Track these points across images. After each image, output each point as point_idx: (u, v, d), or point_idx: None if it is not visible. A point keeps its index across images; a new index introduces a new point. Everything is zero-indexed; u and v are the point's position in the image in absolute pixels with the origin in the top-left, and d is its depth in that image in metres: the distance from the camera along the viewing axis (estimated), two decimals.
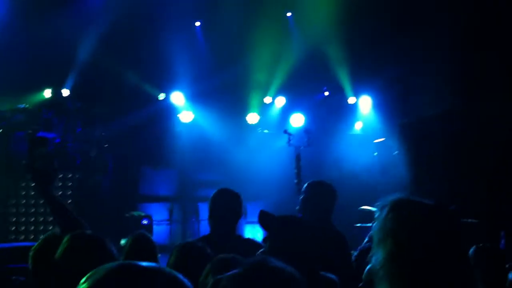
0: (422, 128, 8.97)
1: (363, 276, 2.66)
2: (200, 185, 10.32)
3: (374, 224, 1.76)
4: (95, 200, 8.70)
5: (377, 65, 10.53)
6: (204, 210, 9.34)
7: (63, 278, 2.10)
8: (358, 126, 11.60)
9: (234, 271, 1.29)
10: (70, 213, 2.69)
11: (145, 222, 8.25)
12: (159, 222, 8.77)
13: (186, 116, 11.10)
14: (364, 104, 11.50)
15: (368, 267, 2.65)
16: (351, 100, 11.52)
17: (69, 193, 8.66)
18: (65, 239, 2.23)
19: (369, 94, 11.33)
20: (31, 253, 2.76)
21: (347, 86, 11.44)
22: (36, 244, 2.81)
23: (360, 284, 2.64)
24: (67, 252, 2.16)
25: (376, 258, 1.69)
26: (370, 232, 4.32)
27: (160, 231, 8.76)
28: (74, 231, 2.35)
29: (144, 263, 1.08)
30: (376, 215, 1.76)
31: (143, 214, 8.55)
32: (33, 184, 8.16)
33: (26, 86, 10.27)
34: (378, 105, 11.31)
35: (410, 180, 8.68)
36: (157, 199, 9.35)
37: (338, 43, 10.89)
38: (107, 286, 1.03)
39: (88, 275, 1.07)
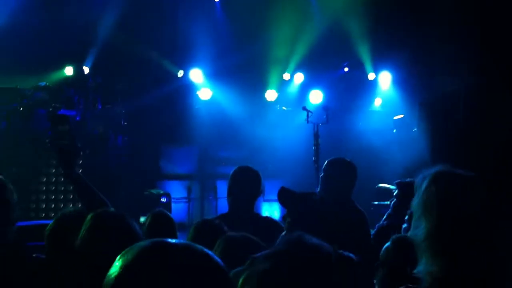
0: (442, 107, 8.84)
1: (380, 254, 2.65)
2: (218, 163, 10.37)
3: (414, 197, 1.75)
4: (112, 178, 8.78)
5: (398, 41, 10.37)
6: (222, 188, 9.41)
7: (87, 256, 2.12)
8: (377, 102, 11.49)
9: (271, 249, 1.28)
10: (94, 191, 2.70)
11: (163, 200, 8.31)
12: (177, 200, 8.85)
13: (205, 93, 11.10)
14: (384, 80, 11.37)
15: (385, 245, 2.64)
16: (371, 76, 11.40)
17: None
18: (88, 217, 2.23)
19: (389, 70, 11.19)
20: (46, 232, 2.79)
21: (367, 62, 11.31)
22: (51, 222, 2.84)
23: (377, 263, 2.63)
24: (91, 230, 2.17)
25: (418, 231, 1.69)
26: (389, 211, 4.32)
27: (178, 209, 8.84)
28: (97, 209, 2.38)
29: (176, 240, 1.10)
30: (417, 187, 1.75)
31: (161, 192, 8.61)
32: (55, 162, 8.32)
33: (47, 64, 10.36)
34: (398, 82, 11.18)
35: (429, 158, 8.60)
36: (175, 176, 9.41)
37: (359, 18, 10.74)
38: (141, 263, 1.04)
39: (122, 253, 1.08)
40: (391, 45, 10.55)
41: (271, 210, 9.31)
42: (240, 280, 1.21)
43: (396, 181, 4.24)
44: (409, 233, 1.82)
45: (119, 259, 1.07)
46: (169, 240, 1.10)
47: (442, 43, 9.47)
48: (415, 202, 1.75)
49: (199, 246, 1.10)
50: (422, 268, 1.68)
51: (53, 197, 8.37)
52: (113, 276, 1.04)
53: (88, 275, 2.07)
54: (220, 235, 2.83)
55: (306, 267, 1.21)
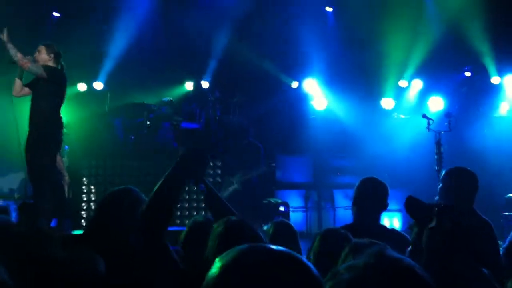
0: None
1: None
2: (334, 172, 10.31)
3: None
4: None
5: None
6: (339, 197, 9.34)
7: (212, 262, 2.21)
8: (503, 108, 10.78)
9: (353, 261, 1.30)
10: (221, 200, 2.81)
11: (282, 208, 8.40)
12: (295, 209, 8.91)
13: (319, 103, 11.13)
14: (510, 84, 10.68)
15: None
16: (495, 80, 10.75)
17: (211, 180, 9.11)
18: (216, 226, 2.32)
19: None
20: (181, 238, 2.94)
21: (491, 65, 10.69)
22: (184, 229, 2.99)
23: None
24: (220, 239, 2.24)
25: None
26: None
27: (296, 218, 8.90)
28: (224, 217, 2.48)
29: (274, 246, 1.15)
30: None
31: (280, 201, 8.72)
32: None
33: (169, 79, 10.98)
34: None
35: None
36: (293, 186, 9.48)
37: (479, 18, 10.20)
38: (238, 265, 1.09)
39: (222, 255, 1.14)
40: None
41: (390, 220, 9.08)
42: None
43: None
44: None
45: (219, 260, 1.13)
46: (269, 245, 1.15)
47: None
48: None
49: (298, 255, 1.14)
50: None
51: (187, 205, 8.77)
52: (212, 276, 1.10)
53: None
54: (346, 243, 2.83)
55: (387, 279, 1.20)
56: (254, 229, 2.28)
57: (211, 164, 8.61)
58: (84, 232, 2.75)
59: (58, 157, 7.09)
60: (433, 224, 2.54)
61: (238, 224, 2.30)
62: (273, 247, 1.15)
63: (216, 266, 1.12)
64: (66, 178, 7.46)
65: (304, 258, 1.14)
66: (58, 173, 6.40)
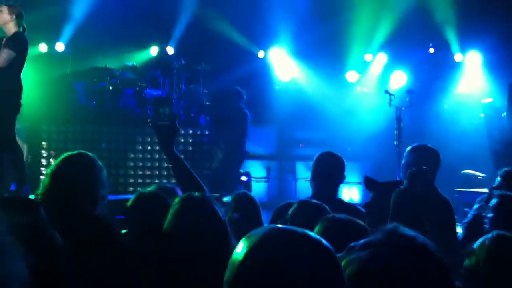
0: None
1: (475, 247, 2.46)
2: (297, 144, 10.40)
3: None
4: (197, 155, 9.04)
5: (488, 19, 9.89)
6: (301, 169, 9.45)
7: (171, 239, 2.22)
8: (464, 85, 11.01)
9: (368, 238, 1.34)
10: (189, 170, 2.81)
11: (244, 178, 8.46)
12: (257, 179, 8.99)
13: (285, 73, 11.13)
14: (472, 62, 10.88)
15: (481, 240, 2.44)
16: (458, 57, 10.94)
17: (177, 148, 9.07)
18: (175, 201, 2.34)
19: (478, 50, 10.69)
20: (125, 207, 2.93)
21: (454, 42, 10.85)
22: (131, 199, 2.98)
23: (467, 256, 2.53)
24: (177, 215, 2.26)
25: None
26: (480, 197, 4.15)
27: (258, 188, 8.98)
28: (194, 190, 2.48)
29: (293, 228, 1.22)
30: None
31: (242, 171, 8.77)
32: (141, 139, 8.68)
33: (133, 44, 10.77)
34: (487, 63, 10.67)
35: None
36: (255, 156, 9.53)
37: None
38: (265, 246, 1.16)
39: (247, 235, 1.21)
40: (480, 24, 10.07)
41: (350, 193, 9.27)
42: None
43: (505, 169, 4.03)
44: None
45: (245, 240, 1.20)
46: (288, 227, 1.23)
47: None
48: None
49: (313, 234, 1.21)
50: None
51: (140, 172, 8.74)
52: (240, 254, 1.17)
53: (172, 257, 2.19)
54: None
55: (401, 256, 1.26)
56: (212, 206, 2.29)
57: (181, 132, 8.61)
58: (36, 198, 2.69)
59: None
60: (403, 186, 2.63)
61: (195, 202, 2.30)
62: (291, 228, 1.22)
63: (244, 247, 1.18)
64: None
65: (323, 239, 1.20)
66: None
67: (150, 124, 2.77)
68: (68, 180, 2.65)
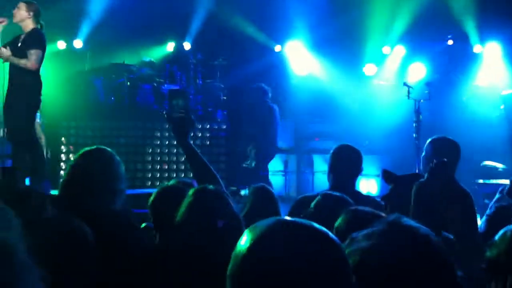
0: None
1: (496, 238, 2.43)
2: (314, 137, 10.36)
3: None
4: (215, 150, 9.07)
5: (507, 10, 9.73)
6: (318, 162, 9.42)
7: (184, 231, 2.21)
8: (484, 76, 10.86)
9: (369, 229, 1.33)
10: (204, 162, 2.79)
11: (261, 173, 8.46)
12: (274, 172, 8.98)
13: (301, 67, 11.09)
14: (491, 53, 10.73)
15: (502, 231, 2.42)
16: (477, 48, 10.79)
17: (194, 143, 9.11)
18: (189, 194, 2.32)
19: (497, 41, 10.53)
20: (149, 203, 2.94)
21: (473, 34, 10.70)
22: (154, 193, 2.99)
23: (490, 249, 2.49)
24: (190, 207, 2.25)
25: None
26: (501, 188, 4.10)
27: (275, 182, 8.97)
28: (208, 182, 2.47)
29: (298, 220, 1.20)
30: None
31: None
32: (160, 135, 8.73)
33: (150, 40, 10.81)
34: (507, 54, 10.51)
35: None
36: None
37: None
38: (269, 238, 1.14)
39: (250, 227, 1.18)
40: (499, 15, 9.91)
41: (369, 186, 9.22)
42: None
43: None
44: None
45: (248, 233, 1.17)
46: (293, 219, 1.20)
47: None
48: None
49: (320, 226, 1.18)
50: None
51: (158, 167, 8.80)
52: (244, 247, 1.14)
53: (184, 250, 2.19)
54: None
55: (402, 247, 1.26)
56: (226, 199, 2.28)
57: (198, 126, 8.67)
58: (58, 194, 2.73)
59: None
60: (424, 179, 2.61)
61: (209, 195, 2.29)
62: (297, 220, 1.19)
63: (248, 239, 1.15)
64: (43, 139, 7.45)
65: (326, 230, 1.18)
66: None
67: (165, 115, 2.76)
68: (87, 175, 2.68)
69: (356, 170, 3.76)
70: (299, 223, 1.18)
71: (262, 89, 8.64)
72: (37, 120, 7.16)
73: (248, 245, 1.14)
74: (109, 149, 2.84)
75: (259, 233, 1.15)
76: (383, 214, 2.26)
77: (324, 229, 1.18)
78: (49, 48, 6.38)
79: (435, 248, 1.28)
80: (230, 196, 2.38)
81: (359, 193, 3.81)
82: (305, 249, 1.12)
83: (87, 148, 2.83)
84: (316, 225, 1.18)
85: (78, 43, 10.47)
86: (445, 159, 2.94)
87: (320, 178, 9.13)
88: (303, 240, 1.13)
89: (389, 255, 1.25)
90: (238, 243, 1.17)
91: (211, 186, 2.36)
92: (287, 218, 1.21)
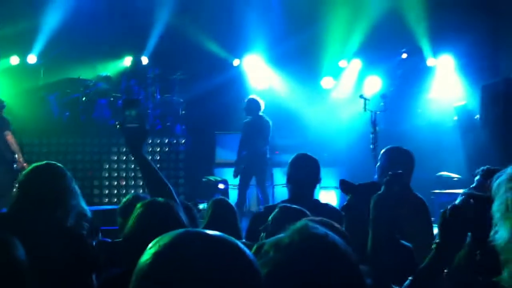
0: (507, 90, 8.49)
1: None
2: (274, 150, 10.38)
3: (495, 198, 1.67)
4: (173, 164, 8.99)
5: (460, 23, 10.03)
6: (278, 175, 9.44)
7: (134, 244, 2.16)
8: (437, 89, 11.15)
9: (276, 236, 1.31)
10: (158, 174, 2.73)
11: (221, 186, 8.42)
12: (234, 186, 8.94)
13: (260, 81, 11.13)
14: (444, 66, 11.03)
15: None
16: (430, 61, 11.09)
17: (150, 158, 9.00)
18: (137, 206, 2.29)
19: (450, 54, 10.85)
20: (117, 211, 2.87)
21: (426, 47, 10.99)
22: (121, 202, 2.93)
23: None
24: (138, 219, 2.22)
25: (500, 235, 1.62)
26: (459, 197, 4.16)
27: (235, 195, 8.91)
28: (162, 195, 2.42)
29: (208, 231, 1.11)
30: (495, 187, 1.68)
31: (219, 178, 8.73)
32: (117, 150, 8.60)
33: (106, 54, 10.67)
34: (460, 67, 10.83)
35: (492, 146, 8.32)
36: (232, 164, 9.49)
37: (417, 0, 10.46)
38: (173, 252, 1.05)
39: (154, 241, 1.09)
40: (451, 28, 10.22)
41: (328, 197, 9.27)
42: None
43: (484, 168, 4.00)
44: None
45: (151, 247, 1.08)
46: (203, 230, 1.12)
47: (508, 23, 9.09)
48: (495, 204, 1.67)
49: (233, 239, 1.11)
50: (506, 275, 1.60)
51: (115, 183, 8.64)
52: (145, 263, 1.05)
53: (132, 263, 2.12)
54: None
55: (310, 256, 1.23)
56: (176, 212, 2.24)
57: (157, 141, 8.58)
58: (6, 212, 2.65)
59: (10, 137, 7.00)
60: (381, 191, 2.60)
61: (158, 207, 2.25)
62: (208, 232, 1.11)
63: (149, 253, 1.06)
64: (21, 159, 7.33)
65: (239, 243, 1.11)
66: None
67: (117, 126, 2.68)
68: (36, 191, 2.61)
69: (314, 179, 3.75)
70: (207, 234, 1.10)
71: (255, 103, 8.65)
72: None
73: (150, 260, 1.05)
74: (59, 164, 2.77)
75: (163, 247, 1.06)
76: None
77: (239, 243, 1.10)
78: (1, 64, 6.20)
79: (343, 256, 1.25)
80: (180, 209, 2.33)
81: (317, 202, 3.81)
82: (213, 262, 1.04)
83: (36, 164, 2.75)
84: (226, 236, 1.11)
85: (32, 58, 10.24)
86: (400, 171, 2.97)
87: (280, 191, 9.13)
88: (211, 253, 1.05)
89: (297, 265, 1.22)
90: (139, 260, 1.07)
91: (160, 199, 2.31)
92: (194, 229, 1.13)
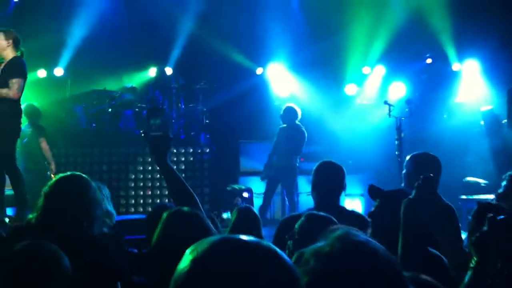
0: None
1: None
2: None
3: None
4: (198, 174, 9.03)
5: (484, 27, 9.92)
6: (302, 183, 9.41)
7: (162, 254, 2.19)
8: (463, 93, 11.01)
9: (316, 244, 1.29)
10: (183, 183, 2.72)
11: (246, 195, 8.42)
12: (259, 195, 8.94)
13: (283, 89, 11.15)
14: (470, 70, 10.90)
15: None
16: (456, 66, 10.96)
17: (175, 167, 9.06)
18: (164, 216, 2.30)
19: (475, 59, 10.71)
20: (146, 220, 2.89)
21: (451, 52, 10.88)
22: (150, 211, 2.94)
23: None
24: (165, 229, 2.24)
25: None
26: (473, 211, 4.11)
27: (260, 204, 8.91)
28: (186, 203, 2.44)
29: (245, 237, 1.10)
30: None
31: (244, 187, 8.74)
32: (142, 160, 8.68)
33: (131, 66, 10.82)
34: (485, 71, 10.68)
35: None
36: (256, 172, 9.51)
37: (441, 4, 10.36)
38: (211, 258, 1.05)
39: (192, 247, 1.09)
40: (476, 33, 10.10)
41: (353, 205, 9.21)
42: None
43: (510, 173, 3.94)
44: None
45: (189, 253, 1.08)
46: (240, 236, 1.11)
47: None
48: None
49: (269, 244, 1.10)
50: None
51: (142, 192, 8.72)
52: (184, 269, 1.05)
53: (161, 273, 2.13)
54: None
55: (352, 263, 1.22)
56: (202, 221, 2.25)
57: (182, 151, 8.64)
58: (32, 222, 2.68)
59: (44, 144, 7.25)
60: (412, 195, 2.56)
61: (183, 216, 2.26)
62: (245, 237, 1.10)
63: (187, 259, 1.06)
64: (52, 167, 7.56)
65: (278, 249, 1.10)
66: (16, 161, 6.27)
67: (142, 135, 2.70)
68: (62, 201, 2.65)
69: (339, 186, 3.72)
70: (244, 240, 1.09)
71: (293, 112, 8.72)
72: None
73: (189, 266, 1.05)
74: (84, 175, 2.81)
75: (201, 253, 1.06)
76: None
77: (275, 248, 1.09)
78: (29, 77, 6.34)
79: (386, 262, 1.24)
80: (207, 218, 2.34)
81: (344, 209, 3.78)
82: (252, 268, 1.03)
83: (61, 175, 2.79)
84: (267, 243, 1.10)
85: (58, 71, 10.45)
86: (431, 174, 2.94)
87: (305, 199, 9.10)
88: (250, 258, 1.04)
89: (338, 273, 1.21)
90: (177, 267, 1.07)
91: (185, 208, 2.32)
92: (232, 236, 1.12)
